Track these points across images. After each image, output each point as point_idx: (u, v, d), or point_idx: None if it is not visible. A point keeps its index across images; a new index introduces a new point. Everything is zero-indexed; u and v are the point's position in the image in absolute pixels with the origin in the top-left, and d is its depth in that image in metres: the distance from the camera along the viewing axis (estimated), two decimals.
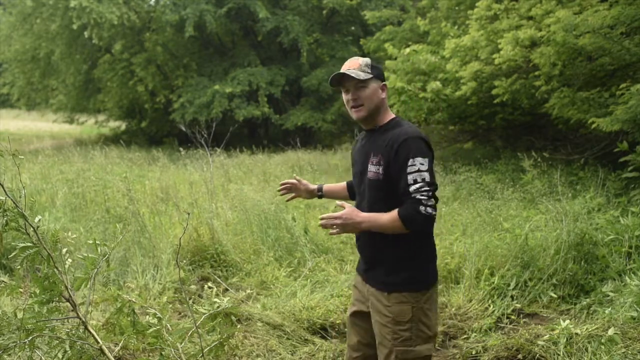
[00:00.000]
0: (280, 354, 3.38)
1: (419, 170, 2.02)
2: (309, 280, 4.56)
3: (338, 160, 10.43)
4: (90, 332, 2.49)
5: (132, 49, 18.59)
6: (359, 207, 2.22)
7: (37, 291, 2.35)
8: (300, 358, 3.39)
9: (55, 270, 2.33)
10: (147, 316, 3.01)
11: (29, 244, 2.26)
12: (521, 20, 7.79)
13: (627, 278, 3.87)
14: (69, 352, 2.40)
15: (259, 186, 7.26)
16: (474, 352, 3.44)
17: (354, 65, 2.17)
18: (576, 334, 3.24)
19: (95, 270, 2.50)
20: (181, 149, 9.26)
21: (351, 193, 2.56)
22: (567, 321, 3.37)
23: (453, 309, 4.01)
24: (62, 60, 18.57)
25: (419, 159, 2.03)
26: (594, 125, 6.18)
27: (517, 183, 6.92)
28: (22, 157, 2.37)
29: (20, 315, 2.37)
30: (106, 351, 2.51)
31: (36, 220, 2.34)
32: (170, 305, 4.17)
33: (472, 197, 6.49)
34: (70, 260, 2.51)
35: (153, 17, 18.04)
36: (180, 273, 4.32)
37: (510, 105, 8.59)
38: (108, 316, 3.11)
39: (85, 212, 6.27)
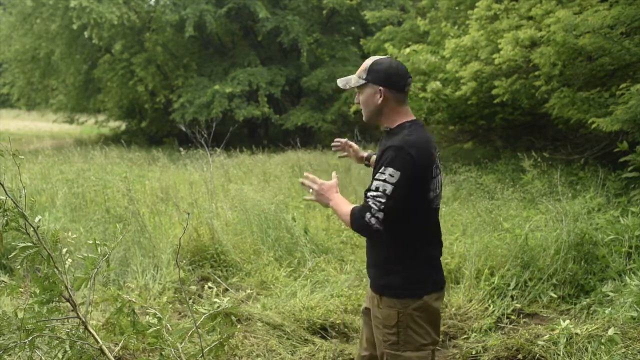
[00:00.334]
0: (280, 354, 3.38)
1: (385, 181, 1.99)
2: (309, 280, 4.56)
3: (338, 160, 10.42)
4: (90, 332, 2.49)
5: (132, 49, 18.58)
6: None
7: (37, 291, 2.35)
8: (300, 358, 3.39)
9: (55, 270, 2.34)
10: (147, 316, 3.01)
11: (29, 244, 2.26)
12: (521, 20, 7.79)
13: (627, 278, 3.87)
14: (69, 352, 2.40)
15: (259, 186, 7.27)
16: (474, 352, 3.44)
17: (359, 69, 2.19)
18: (576, 334, 3.24)
19: (95, 270, 2.50)
20: (181, 149, 9.26)
21: None
22: (567, 321, 3.37)
23: (453, 309, 4.01)
24: (62, 60, 18.56)
25: (390, 170, 1.99)
26: (594, 125, 6.19)
27: (517, 183, 6.92)
28: (22, 157, 2.37)
29: (20, 315, 2.37)
30: (106, 351, 2.51)
31: (36, 220, 2.34)
32: (170, 305, 4.16)
33: (472, 197, 6.49)
34: (70, 260, 2.51)
35: (153, 17, 18.04)
36: (180, 273, 4.32)
37: (510, 105, 8.59)
38: (108, 316, 3.11)
39: (85, 212, 6.27)
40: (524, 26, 7.51)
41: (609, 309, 3.59)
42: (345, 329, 3.75)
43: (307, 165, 9.36)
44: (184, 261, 4.79)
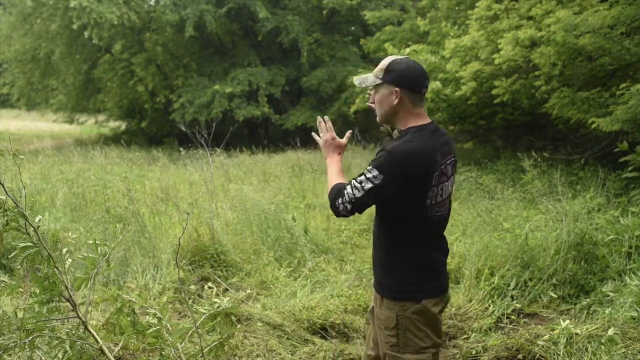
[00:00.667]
0: (280, 354, 3.38)
1: (367, 178, 2.01)
2: (309, 280, 4.56)
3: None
4: (90, 332, 2.49)
5: (132, 49, 18.58)
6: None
7: (37, 291, 2.35)
8: (300, 358, 3.39)
9: (55, 270, 2.34)
10: (147, 316, 3.02)
11: (29, 244, 2.26)
12: (521, 20, 7.79)
13: (627, 278, 3.87)
14: (69, 352, 2.40)
15: (259, 186, 7.26)
16: (474, 352, 3.44)
17: (377, 68, 2.15)
18: (576, 334, 3.24)
19: (95, 270, 2.50)
20: (181, 149, 9.26)
21: None
22: (567, 321, 3.37)
23: (453, 309, 4.01)
24: (62, 60, 18.56)
25: (375, 171, 2.00)
26: (594, 125, 6.19)
27: (517, 183, 6.92)
28: (22, 157, 2.37)
29: (20, 315, 2.37)
30: (106, 351, 2.51)
31: (36, 220, 2.34)
32: (170, 305, 4.16)
33: (472, 197, 6.49)
34: (70, 260, 2.51)
35: (153, 17, 18.04)
36: (180, 273, 4.32)
37: (510, 105, 8.59)
38: (108, 316, 3.11)
39: (85, 212, 6.27)
40: (524, 26, 7.51)
41: (609, 309, 3.59)
42: (345, 329, 3.75)
43: (307, 165, 9.35)
44: (184, 261, 4.79)
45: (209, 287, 4.30)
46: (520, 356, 3.27)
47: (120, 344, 3.22)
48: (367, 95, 2.27)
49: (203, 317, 2.96)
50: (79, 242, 4.70)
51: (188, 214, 2.79)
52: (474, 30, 8.37)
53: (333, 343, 3.57)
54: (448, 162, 2.10)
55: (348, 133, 2.39)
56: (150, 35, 18.59)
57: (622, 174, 6.16)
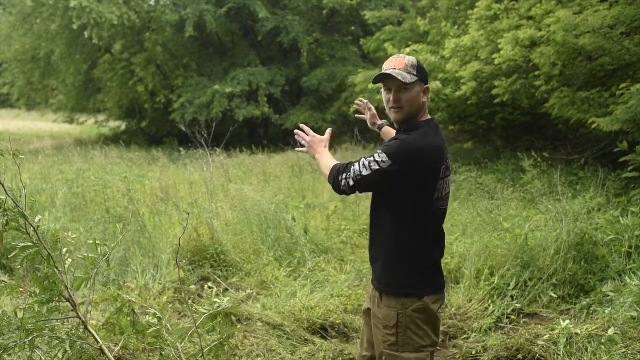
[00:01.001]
0: (280, 354, 3.38)
1: (375, 160, 2.05)
2: (309, 280, 4.56)
3: (338, 160, 10.40)
4: (90, 332, 2.49)
5: (132, 49, 18.58)
6: (374, 197, 2.25)
7: (37, 291, 2.35)
8: (300, 358, 3.39)
9: (55, 270, 2.33)
10: (147, 316, 3.01)
11: (29, 244, 2.26)
12: (521, 20, 7.79)
13: (627, 278, 3.87)
14: (69, 352, 2.40)
15: (259, 186, 7.26)
16: (474, 352, 3.44)
17: (400, 65, 2.10)
18: (576, 334, 3.24)
19: (95, 270, 2.50)
20: (181, 149, 9.26)
21: None
22: (567, 321, 3.37)
23: (453, 309, 4.01)
24: (62, 60, 18.56)
25: (384, 156, 2.04)
26: (594, 125, 6.19)
27: (517, 183, 6.92)
28: (22, 157, 2.37)
29: (20, 315, 2.36)
30: (106, 351, 2.51)
31: (36, 220, 2.34)
32: (170, 305, 4.16)
33: (472, 197, 6.49)
34: (70, 260, 2.51)
35: (153, 17, 18.03)
36: (180, 273, 4.32)
37: (510, 105, 8.59)
38: (108, 316, 3.11)
39: (85, 212, 6.27)
40: (524, 26, 7.51)
41: (609, 309, 3.59)
42: (345, 329, 3.75)
43: (307, 165, 9.35)
44: (184, 261, 4.79)
45: (209, 287, 4.29)
46: (520, 356, 3.27)
47: (120, 344, 3.22)
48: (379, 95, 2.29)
49: (203, 317, 2.96)
50: (79, 242, 4.70)
51: (188, 214, 2.79)
52: (474, 30, 8.36)
53: (333, 343, 3.57)
54: (449, 156, 2.20)
55: (328, 130, 2.44)
56: (150, 35, 18.59)
57: (622, 174, 6.16)
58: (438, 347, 3.58)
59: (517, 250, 4.36)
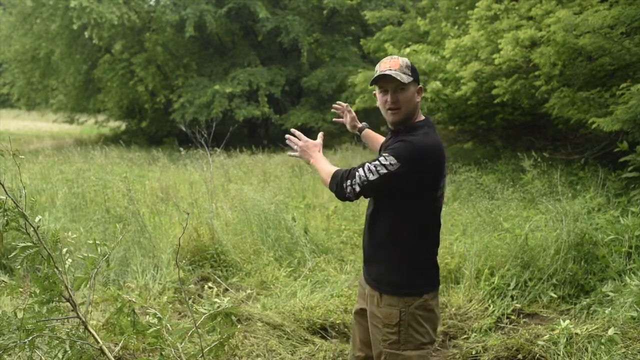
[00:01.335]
0: (280, 354, 3.38)
1: (382, 164, 2.03)
2: (309, 280, 4.56)
3: (338, 160, 10.41)
4: (90, 332, 2.49)
5: (132, 49, 18.58)
6: (373, 198, 2.24)
7: (37, 291, 2.35)
8: (300, 358, 3.39)
9: (55, 270, 2.33)
10: (147, 316, 3.01)
11: (29, 244, 2.26)
12: (521, 20, 7.79)
13: (627, 278, 3.87)
14: (69, 352, 2.40)
15: (259, 186, 7.26)
16: (474, 352, 3.44)
17: (395, 65, 2.11)
18: (576, 334, 3.24)
19: (95, 270, 2.50)
20: (181, 149, 9.26)
21: None
22: (567, 321, 3.37)
23: (453, 309, 4.01)
24: (62, 60, 18.56)
25: (392, 158, 2.02)
26: (594, 125, 6.18)
27: (517, 183, 6.92)
28: (22, 157, 2.37)
29: (20, 315, 2.36)
30: (106, 351, 2.51)
31: (36, 220, 2.34)
32: (170, 305, 4.16)
33: (472, 197, 6.49)
34: (70, 260, 2.51)
35: (153, 17, 18.03)
36: (180, 273, 4.32)
37: (510, 105, 8.59)
38: (108, 316, 3.11)
39: (85, 212, 6.27)
40: (524, 26, 7.51)
41: (609, 309, 3.59)
42: (345, 329, 3.75)
43: (307, 166, 9.33)
44: (184, 261, 4.79)
45: (209, 287, 4.29)
46: (520, 356, 3.27)
47: (120, 344, 3.22)
48: (373, 95, 2.28)
49: (203, 317, 2.96)
50: (79, 242, 4.70)
51: (188, 214, 2.79)
52: (474, 30, 8.36)
53: (333, 343, 3.57)
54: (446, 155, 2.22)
55: (320, 134, 2.41)
56: (150, 35, 18.59)
57: (622, 174, 6.16)
58: (438, 347, 3.59)
59: (517, 250, 4.36)
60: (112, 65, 18.72)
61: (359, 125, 2.72)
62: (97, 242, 2.55)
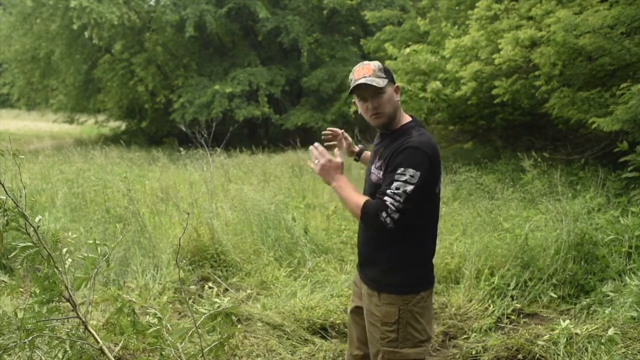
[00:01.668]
0: (280, 354, 3.38)
1: (406, 182, 1.99)
2: (309, 280, 4.56)
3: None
4: (90, 332, 2.49)
5: (132, 49, 18.59)
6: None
7: (37, 291, 2.35)
8: (300, 358, 3.39)
9: (55, 270, 2.33)
10: (147, 316, 3.01)
11: (29, 244, 2.26)
12: (521, 20, 7.79)
13: (627, 278, 3.87)
14: (69, 352, 2.40)
15: (259, 186, 7.26)
16: (474, 352, 3.44)
17: (368, 72, 2.12)
18: (576, 334, 3.24)
19: (95, 270, 2.50)
20: (181, 149, 9.26)
21: None
22: (567, 321, 3.37)
23: (453, 309, 4.01)
24: (62, 60, 18.57)
25: (411, 170, 1.99)
26: (594, 125, 6.18)
27: (517, 183, 6.92)
28: (22, 157, 2.37)
29: (20, 315, 2.36)
30: (106, 351, 2.51)
31: (36, 220, 2.34)
32: (170, 305, 4.16)
33: (472, 197, 6.49)
34: (70, 260, 2.51)
35: (153, 17, 18.04)
36: (180, 273, 4.32)
37: (510, 105, 8.59)
38: (108, 316, 3.11)
39: (85, 212, 6.27)
40: (524, 26, 7.51)
41: (609, 309, 3.59)
42: (345, 329, 3.74)
43: (307, 166, 9.35)
44: (184, 261, 4.79)
45: (209, 287, 4.30)
46: (520, 356, 3.27)
47: (120, 344, 3.22)
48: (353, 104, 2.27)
49: (203, 317, 2.96)
50: (79, 242, 4.70)
51: (188, 214, 2.79)
52: (474, 30, 8.37)
53: (333, 343, 3.57)
54: None
55: (337, 151, 2.35)
56: (150, 35, 18.60)
57: (622, 174, 6.16)
58: (438, 347, 3.59)
59: (517, 250, 4.36)
60: (112, 65, 18.73)
61: (356, 149, 2.71)
62: (97, 242, 2.55)
